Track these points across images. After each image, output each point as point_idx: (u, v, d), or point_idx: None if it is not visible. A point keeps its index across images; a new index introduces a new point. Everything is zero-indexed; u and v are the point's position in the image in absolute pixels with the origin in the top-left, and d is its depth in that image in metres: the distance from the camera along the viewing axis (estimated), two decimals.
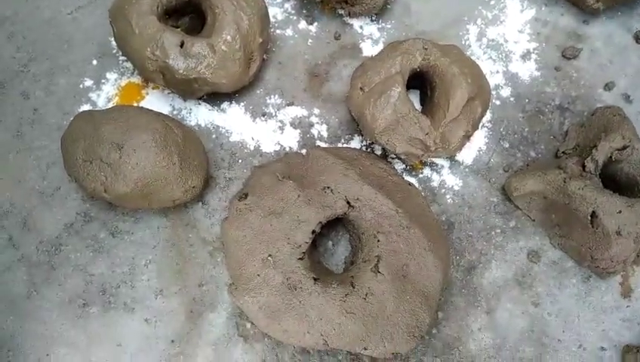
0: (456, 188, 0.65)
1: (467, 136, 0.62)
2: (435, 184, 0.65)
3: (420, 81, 0.66)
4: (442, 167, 0.66)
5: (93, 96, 0.67)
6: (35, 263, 0.60)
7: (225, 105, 0.67)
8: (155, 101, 0.67)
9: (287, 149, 0.66)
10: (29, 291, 0.58)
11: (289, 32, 0.72)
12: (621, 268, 0.58)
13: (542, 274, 0.61)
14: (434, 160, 0.66)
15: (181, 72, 0.60)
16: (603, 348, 0.59)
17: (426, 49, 0.63)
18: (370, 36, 0.73)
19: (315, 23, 0.73)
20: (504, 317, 0.60)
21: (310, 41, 0.72)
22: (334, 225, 0.62)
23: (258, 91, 0.69)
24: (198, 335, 0.57)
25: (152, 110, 0.59)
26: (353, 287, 0.54)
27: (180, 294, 0.59)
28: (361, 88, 0.62)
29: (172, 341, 0.57)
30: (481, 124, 0.67)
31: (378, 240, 0.56)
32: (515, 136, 0.68)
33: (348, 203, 0.57)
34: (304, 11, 0.73)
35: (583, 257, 0.59)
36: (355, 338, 0.52)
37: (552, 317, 0.60)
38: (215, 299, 0.59)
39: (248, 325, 0.58)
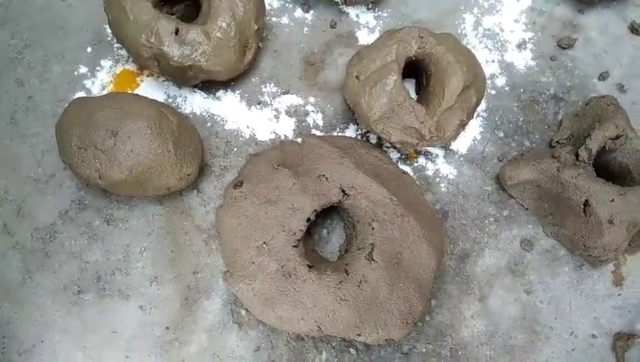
0: (450, 177, 0.65)
1: (462, 125, 0.62)
2: (429, 173, 0.65)
3: (416, 70, 0.66)
4: (437, 156, 0.66)
5: (87, 83, 0.67)
6: (29, 250, 0.60)
7: (220, 93, 0.67)
8: (150, 89, 0.67)
9: (283, 137, 0.66)
10: (24, 278, 0.58)
11: (285, 19, 0.72)
12: (613, 257, 0.59)
13: (534, 263, 0.62)
14: (429, 149, 0.66)
15: (176, 59, 0.59)
16: (594, 335, 0.59)
17: (421, 37, 0.62)
18: (366, 24, 0.72)
19: (311, 11, 0.72)
20: (496, 304, 0.60)
21: (306, 29, 0.72)
22: (329, 213, 0.62)
23: (253, 79, 0.68)
24: (193, 322, 0.58)
25: (146, 97, 0.59)
26: (347, 274, 0.54)
27: (175, 281, 0.59)
28: (356, 76, 0.62)
29: (167, 328, 0.57)
30: (476, 113, 0.68)
31: (372, 228, 0.56)
32: (510, 125, 0.68)
33: (343, 191, 0.57)
34: None
35: (576, 245, 0.60)
36: (348, 324, 0.53)
37: (544, 305, 0.60)
38: (210, 286, 0.59)
39: (243, 312, 0.58)
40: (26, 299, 0.58)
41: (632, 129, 0.61)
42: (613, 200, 0.56)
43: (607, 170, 0.62)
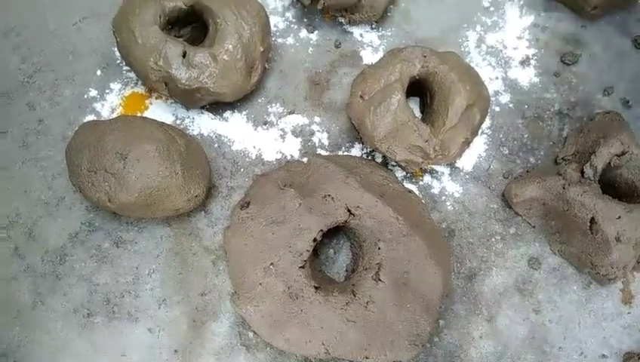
0: (456, 195, 0.65)
1: (467, 143, 0.63)
2: (435, 191, 0.66)
3: (420, 89, 0.66)
4: (442, 174, 0.66)
5: (97, 106, 0.68)
6: (40, 273, 0.60)
7: (227, 114, 0.68)
8: (159, 110, 0.68)
9: (289, 157, 0.66)
10: (35, 301, 0.59)
11: (290, 40, 0.73)
12: (621, 275, 0.59)
13: (542, 281, 0.61)
14: (434, 167, 0.67)
15: (184, 81, 0.60)
16: (604, 355, 0.59)
17: (425, 56, 0.63)
18: (370, 43, 0.73)
19: (316, 32, 0.73)
20: (505, 324, 0.60)
21: (311, 49, 0.72)
22: (335, 233, 0.62)
23: (260, 100, 0.69)
24: (201, 345, 0.58)
25: (155, 120, 0.60)
26: (354, 295, 0.54)
27: (183, 303, 0.59)
28: (361, 96, 0.63)
29: (175, 351, 0.58)
30: (480, 131, 0.68)
31: (379, 248, 0.56)
32: (515, 142, 0.68)
33: (349, 211, 0.58)
34: (305, 20, 0.74)
35: (583, 264, 0.60)
36: (356, 346, 0.53)
37: (553, 324, 0.60)
38: (217, 308, 0.59)
39: (251, 334, 0.58)
40: (36, 322, 0.58)
41: (637, 145, 0.61)
42: (619, 218, 0.56)
43: (613, 186, 0.62)
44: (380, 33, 0.74)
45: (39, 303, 0.59)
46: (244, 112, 0.68)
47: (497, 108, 0.70)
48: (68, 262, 0.61)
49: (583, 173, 0.60)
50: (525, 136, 0.68)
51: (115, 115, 0.67)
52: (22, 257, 0.61)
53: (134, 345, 0.58)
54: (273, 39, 0.72)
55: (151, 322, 0.58)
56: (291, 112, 0.69)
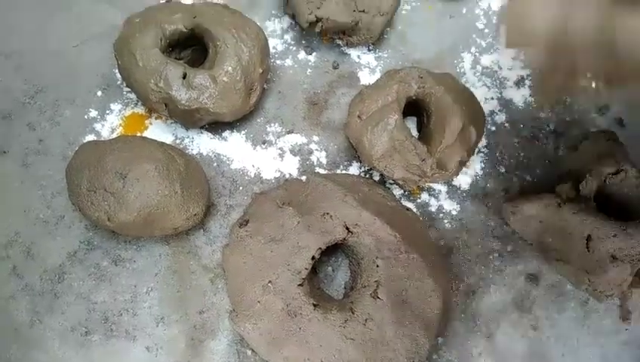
0: (453, 212, 0.66)
1: (463, 162, 0.63)
2: (433, 209, 0.66)
3: (417, 109, 0.67)
4: (440, 192, 0.67)
5: (97, 126, 0.69)
6: (38, 292, 0.60)
7: (226, 133, 0.69)
8: (159, 131, 0.68)
9: (287, 176, 0.67)
10: (32, 319, 0.59)
11: (289, 62, 0.74)
12: (619, 291, 0.59)
13: (540, 298, 0.62)
14: (431, 185, 0.67)
15: (184, 102, 0.61)
16: None
17: (421, 77, 0.64)
18: (367, 65, 0.75)
19: (314, 53, 0.75)
20: (504, 341, 0.60)
21: (309, 70, 0.74)
22: (334, 251, 0.62)
23: (258, 120, 0.70)
24: None
25: (155, 140, 0.61)
26: (353, 313, 0.55)
27: (181, 322, 0.59)
28: (358, 116, 0.64)
29: None
30: (477, 150, 0.69)
31: (377, 266, 0.57)
32: (511, 160, 0.69)
33: (347, 228, 0.58)
34: (303, 42, 0.75)
35: (581, 281, 0.60)
36: None
37: (552, 341, 0.60)
38: (216, 326, 0.59)
39: (249, 352, 0.58)
40: (34, 340, 0.58)
41: (631, 163, 0.62)
42: (615, 235, 0.57)
43: (608, 204, 0.62)
44: (377, 55, 0.75)
45: (37, 321, 0.59)
46: (243, 132, 0.69)
47: (493, 128, 0.71)
48: (66, 281, 0.61)
49: (578, 191, 0.61)
50: (521, 154, 0.69)
51: (115, 135, 0.68)
52: (20, 276, 0.61)
53: None
54: (272, 61, 0.73)
55: (149, 340, 0.58)
56: (290, 132, 0.70)
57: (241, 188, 0.66)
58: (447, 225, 0.65)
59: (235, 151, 0.68)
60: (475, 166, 0.69)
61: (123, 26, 0.65)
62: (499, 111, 0.72)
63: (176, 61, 0.63)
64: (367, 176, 0.68)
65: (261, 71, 0.66)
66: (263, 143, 0.69)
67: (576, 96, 0.72)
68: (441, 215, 0.66)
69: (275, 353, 0.53)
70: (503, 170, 0.68)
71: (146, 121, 0.69)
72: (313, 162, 0.68)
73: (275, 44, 0.74)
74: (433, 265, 0.58)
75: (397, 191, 0.67)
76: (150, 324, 0.59)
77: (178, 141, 0.68)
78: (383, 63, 0.75)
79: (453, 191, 0.67)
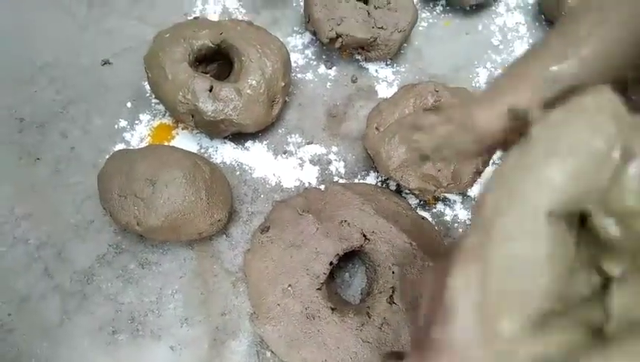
0: (468, 222, 0.68)
1: (478, 173, 0.65)
2: (448, 218, 0.68)
3: None
4: (455, 202, 0.69)
5: (127, 135, 0.72)
6: (68, 292, 0.63)
7: (249, 143, 0.72)
8: (185, 140, 0.72)
9: (307, 185, 0.70)
10: (62, 319, 0.62)
11: (309, 75, 0.77)
12: None
13: None
14: (447, 195, 0.69)
15: (209, 113, 0.64)
16: None
17: (437, 91, 0.67)
18: (385, 79, 0.77)
19: (334, 68, 0.78)
20: None
21: (329, 84, 0.77)
22: (351, 257, 0.64)
23: (280, 131, 0.73)
24: None
25: (182, 149, 0.64)
26: (369, 317, 0.56)
27: (204, 323, 0.61)
28: (376, 128, 0.66)
29: None
30: (491, 161, 0.70)
31: (393, 272, 0.59)
32: None
33: (364, 236, 0.60)
34: (324, 57, 0.78)
35: None
36: None
37: None
38: (237, 328, 0.61)
39: (268, 353, 0.60)
40: (63, 339, 0.61)
41: None
42: None
43: None
44: (395, 69, 0.78)
45: (67, 320, 0.61)
46: (264, 142, 0.72)
47: None
48: (95, 282, 0.63)
49: None
50: None
51: (143, 145, 0.71)
52: (51, 277, 0.64)
53: None
54: (293, 75, 0.76)
55: (173, 340, 0.60)
56: (310, 142, 0.72)
57: (262, 196, 0.69)
58: (461, 234, 0.67)
59: (257, 160, 0.71)
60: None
61: (153, 40, 0.69)
62: None
63: (203, 75, 0.66)
64: (384, 185, 0.70)
65: (283, 84, 0.69)
66: (284, 153, 0.71)
67: None
68: (456, 224, 0.68)
69: (293, 354, 0.55)
70: None
71: (173, 131, 0.72)
72: (332, 172, 0.71)
73: (296, 59, 0.77)
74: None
75: (413, 201, 0.69)
76: (174, 325, 0.61)
77: (203, 150, 0.71)
78: (400, 77, 0.77)
79: (467, 201, 0.69)
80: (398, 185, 0.69)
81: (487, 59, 0.79)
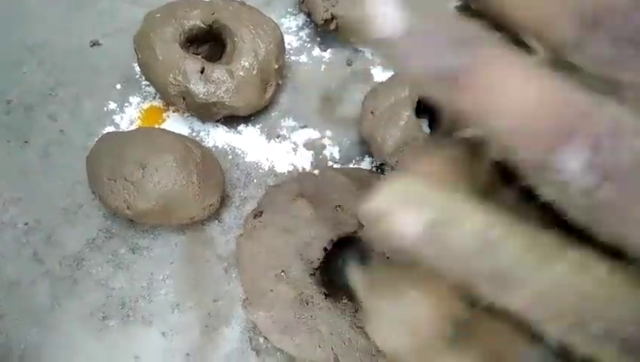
0: None
1: None
2: None
3: (430, 106, 0.68)
4: None
5: (116, 118, 0.71)
6: (58, 277, 0.62)
7: (241, 127, 0.71)
8: (176, 123, 0.70)
9: (301, 170, 0.69)
10: (52, 304, 0.61)
11: (303, 58, 0.76)
12: None
13: None
14: None
15: (201, 96, 0.63)
16: None
17: None
18: (380, 62, 0.76)
19: (329, 50, 0.76)
20: None
21: (323, 66, 0.75)
22: (346, 242, 0.64)
23: (273, 114, 0.72)
24: (213, 349, 0.59)
25: (173, 132, 0.63)
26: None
27: (196, 308, 0.61)
28: (371, 112, 0.65)
29: (187, 354, 0.59)
30: None
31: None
32: None
33: (358, 221, 0.59)
34: (318, 39, 0.77)
35: None
36: (365, 352, 0.54)
37: None
38: (229, 314, 0.61)
39: (261, 339, 0.59)
40: (54, 324, 0.60)
41: None
42: None
43: None
44: None
45: (57, 306, 0.61)
46: (257, 126, 0.71)
47: None
48: (85, 267, 0.62)
49: None
50: None
51: (133, 127, 0.70)
52: (40, 262, 0.63)
53: (148, 348, 0.59)
54: (287, 57, 0.75)
55: (164, 326, 0.60)
56: (303, 126, 0.71)
57: (255, 180, 0.68)
58: None
59: (249, 144, 0.70)
60: None
61: (143, 20, 0.67)
62: None
63: (195, 56, 0.65)
64: (379, 170, 0.69)
65: (277, 67, 0.67)
66: (277, 137, 0.70)
67: None
68: None
69: (286, 340, 0.55)
70: None
71: (164, 114, 0.71)
72: (326, 156, 0.69)
73: (290, 41, 0.76)
74: None
75: None
76: (166, 311, 0.60)
77: (194, 134, 0.70)
78: None
79: None
80: (393, 169, 0.68)
81: None
